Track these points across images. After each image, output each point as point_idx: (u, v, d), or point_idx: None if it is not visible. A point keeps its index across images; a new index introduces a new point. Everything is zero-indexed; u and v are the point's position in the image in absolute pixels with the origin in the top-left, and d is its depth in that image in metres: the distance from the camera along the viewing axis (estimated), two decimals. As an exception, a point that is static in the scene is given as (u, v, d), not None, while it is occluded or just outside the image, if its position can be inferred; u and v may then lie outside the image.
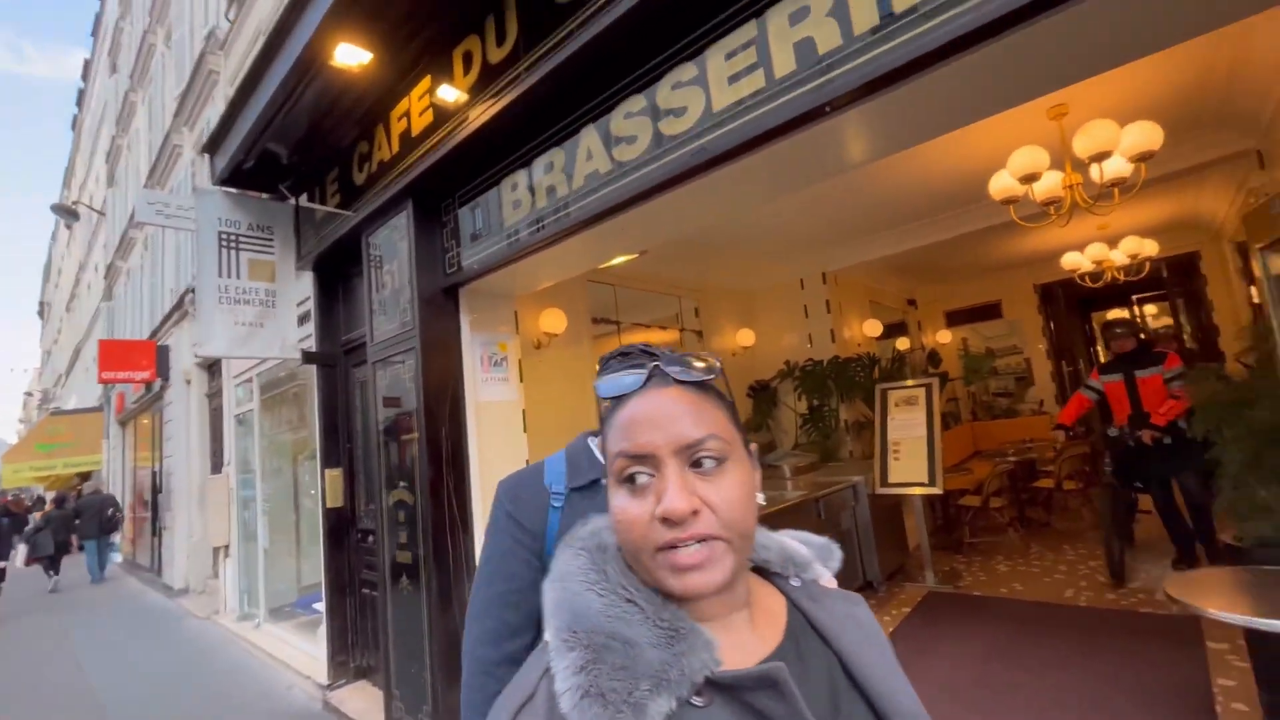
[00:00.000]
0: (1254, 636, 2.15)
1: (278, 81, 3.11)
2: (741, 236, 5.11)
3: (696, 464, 0.54)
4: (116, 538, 10.94)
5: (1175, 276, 7.66)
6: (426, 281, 3.15)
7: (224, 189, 3.96)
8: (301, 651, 4.52)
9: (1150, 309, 9.17)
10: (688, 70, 2.07)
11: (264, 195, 4.10)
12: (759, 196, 2.49)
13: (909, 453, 4.57)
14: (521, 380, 3.51)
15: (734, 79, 1.94)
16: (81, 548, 10.00)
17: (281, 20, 2.91)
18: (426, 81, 2.94)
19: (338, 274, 4.14)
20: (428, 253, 3.18)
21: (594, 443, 1.21)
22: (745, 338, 6.05)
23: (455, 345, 3.22)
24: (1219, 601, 1.87)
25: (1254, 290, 5.01)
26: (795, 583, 0.65)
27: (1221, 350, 6.13)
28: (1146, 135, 3.02)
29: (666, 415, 0.55)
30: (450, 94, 2.80)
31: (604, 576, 0.55)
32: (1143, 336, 4.19)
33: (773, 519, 3.67)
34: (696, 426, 0.54)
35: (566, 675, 0.49)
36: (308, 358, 4.07)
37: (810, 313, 6.04)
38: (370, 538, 3.83)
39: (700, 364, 0.60)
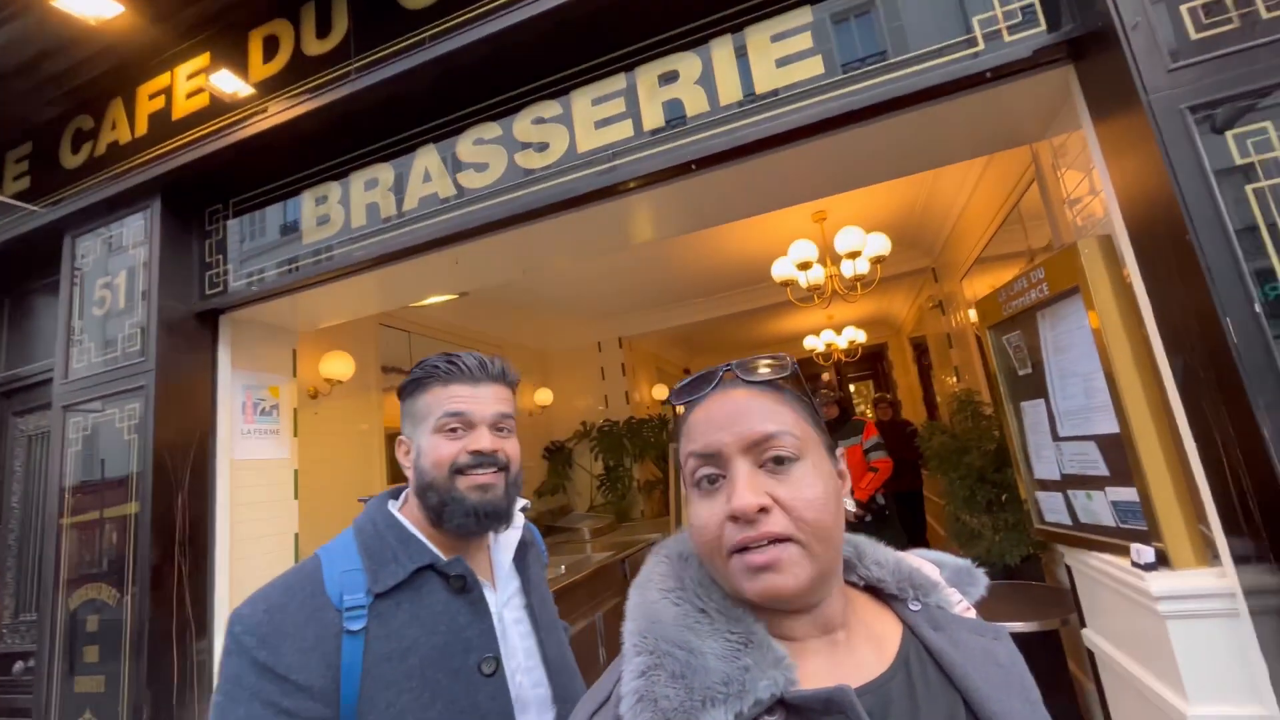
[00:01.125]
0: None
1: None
2: (543, 295, 5.10)
3: (769, 462, 0.51)
4: None
5: (872, 361, 9.86)
6: (174, 303, 2.43)
7: None
8: None
9: (858, 386, 11.58)
10: (550, 108, 2.02)
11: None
12: (560, 253, 2.53)
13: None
14: (295, 435, 2.87)
15: (534, 147, 1.95)
16: None
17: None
18: (205, 58, 2.38)
19: (7, 287, 2.98)
20: (179, 267, 2.48)
21: (395, 508, 0.93)
22: (544, 397, 5.93)
23: (207, 386, 2.51)
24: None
25: (986, 361, 6.64)
26: (915, 606, 0.58)
27: (906, 419, 7.93)
28: (882, 243, 3.86)
29: (734, 413, 0.53)
30: (238, 82, 2.31)
31: (681, 585, 0.53)
32: (841, 405, 3.98)
33: (580, 586, 3.51)
34: (765, 422, 0.52)
35: (630, 678, 0.48)
36: (-70, 400, 2.77)
37: (607, 375, 6.21)
38: (19, 664, 2.62)
39: (769, 364, 0.59)
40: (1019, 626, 2.14)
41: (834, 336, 7.16)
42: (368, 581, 0.76)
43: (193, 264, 2.52)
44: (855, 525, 3.20)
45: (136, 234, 2.47)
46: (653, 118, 1.86)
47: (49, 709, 2.23)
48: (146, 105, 2.48)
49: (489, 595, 0.90)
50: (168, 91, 2.44)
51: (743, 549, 0.49)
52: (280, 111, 2.19)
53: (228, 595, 2.37)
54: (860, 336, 7.19)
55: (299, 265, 2.34)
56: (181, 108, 2.41)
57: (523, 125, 2.02)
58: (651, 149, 1.84)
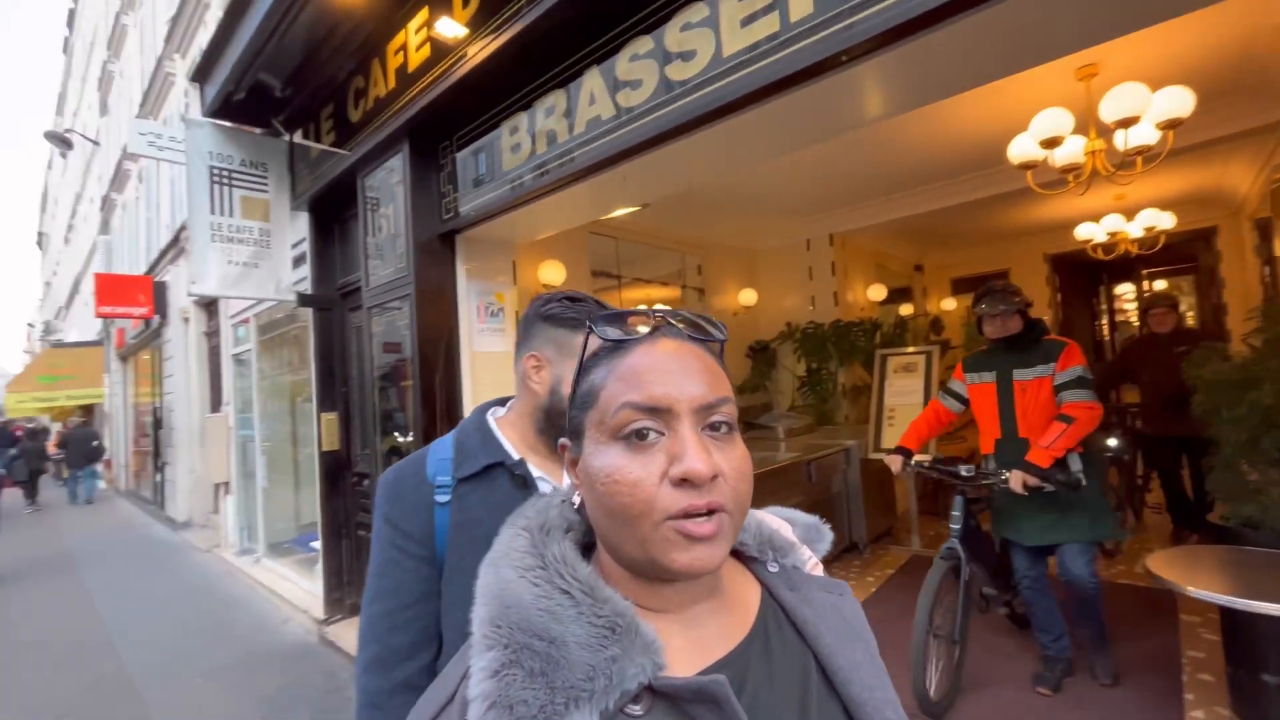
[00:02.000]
0: (1225, 612, 2.19)
1: (267, 5, 2.96)
2: (748, 193, 4.97)
3: (709, 428, 0.48)
4: (99, 467, 12.02)
5: (1189, 252, 7.51)
6: (423, 227, 3.07)
7: (215, 121, 3.83)
8: (299, 587, 4.65)
9: (1161, 284, 9.04)
10: (698, 10, 1.95)
11: (257, 130, 3.96)
12: (768, 150, 2.40)
13: (904, 419, 4.57)
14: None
15: (747, 21, 1.83)
16: (62, 475, 11.30)
17: (271, -62, 2.73)
18: (425, 12, 2.78)
19: (334, 215, 4.05)
20: (424, 197, 3.09)
21: (493, 417, 1.04)
22: (747, 297, 5.97)
23: (451, 294, 3.17)
24: (1196, 579, 1.89)
25: (1268, 269, 4.91)
26: (773, 568, 0.58)
27: (1229, 329, 6.06)
28: (1178, 102, 2.88)
29: (686, 369, 0.49)
30: (449, 27, 2.65)
31: (542, 562, 0.48)
32: (1025, 315, 2.58)
33: (764, 480, 3.71)
34: (715, 387, 0.49)
35: (479, 679, 0.43)
36: (303, 300, 4.02)
37: (815, 274, 5.94)
38: (365, 481, 3.88)
39: (709, 324, 0.55)
40: None
41: (1122, 223, 5.63)
42: (453, 469, 0.98)
43: (434, 194, 3.11)
44: (1026, 497, 2.37)
45: (396, 172, 3.13)
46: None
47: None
48: (392, 61, 3.02)
49: (546, 490, 1.04)
50: (404, 47, 2.93)
51: (684, 516, 0.45)
52: (478, 52, 2.50)
53: (473, 453, 3.13)
54: (1165, 221, 5.54)
55: (517, 182, 2.70)
56: (414, 59, 2.88)
57: (729, 4, 1.89)
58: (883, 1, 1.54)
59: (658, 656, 0.45)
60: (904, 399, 4.64)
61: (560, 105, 2.45)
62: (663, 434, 0.47)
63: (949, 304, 8.28)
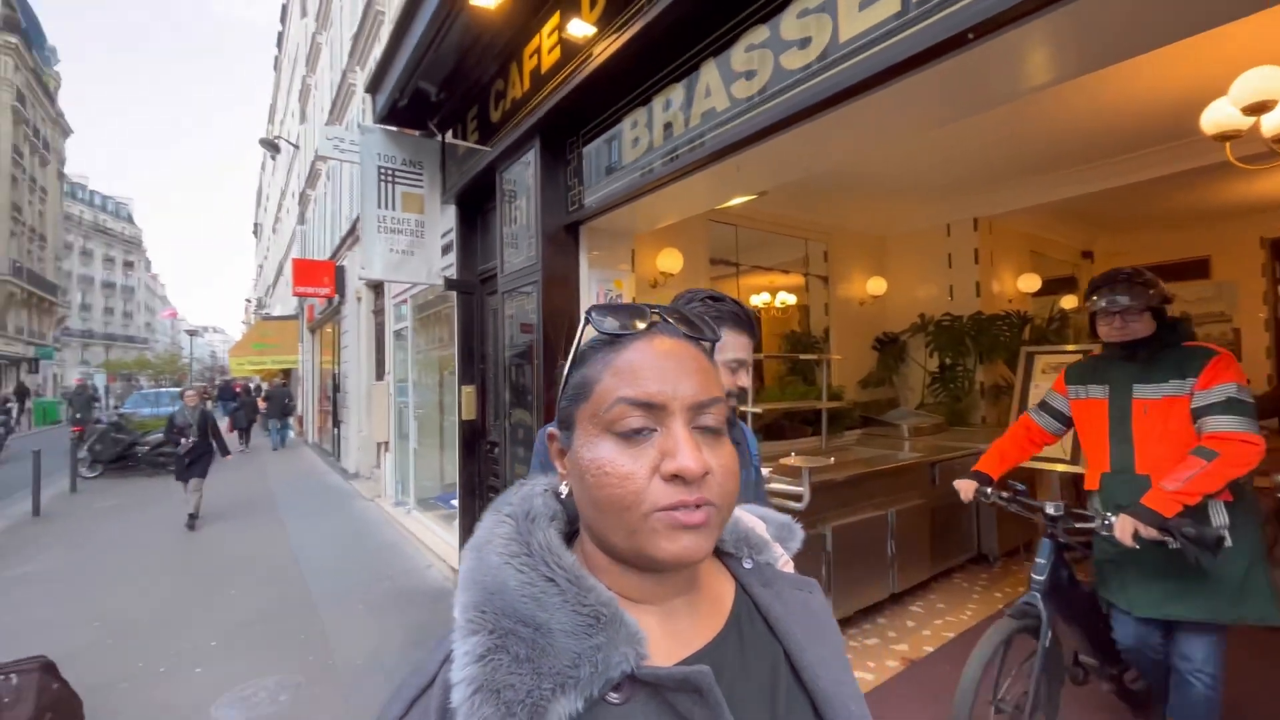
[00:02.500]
0: None
1: (425, 22, 3.33)
2: (881, 175, 4.69)
3: (699, 429, 0.49)
4: (291, 420, 14.83)
5: None
6: (550, 218, 3.31)
7: (383, 127, 4.37)
8: (440, 538, 5.26)
9: None
10: (816, -5, 1.91)
11: (416, 133, 4.47)
12: (904, 128, 2.18)
13: (1051, 425, 4.12)
14: (634, 317, 3.63)
15: (866, 4, 1.77)
16: (266, 425, 13.89)
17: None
18: (556, 17, 2.98)
19: (477, 208, 4.46)
20: (552, 190, 3.32)
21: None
22: (876, 286, 5.66)
23: (574, 281, 3.39)
24: None
25: None
26: (748, 564, 0.60)
27: None
28: None
29: (682, 367, 0.50)
30: (577, 28, 2.81)
31: (527, 549, 0.49)
32: (1160, 314, 1.98)
33: (880, 479, 3.56)
34: (708, 387, 0.50)
35: (463, 663, 0.43)
36: (449, 284, 4.49)
37: (955, 262, 5.47)
38: (496, 449, 4.29)
39: (705, 326, 0.56)
40: None
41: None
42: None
43: (560, 187, 3.33)
44: (1140, 550, 1.76)
45: (529, 167, 3.39)
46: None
47: (505, 475, 3.66)
48: (527, 64, 3.26)
49: None
50: (538, 51, 3.15)
51: (673, 509, 0.46)
52: (602, 52, 2.63)
53: (588, 430, 3.34)
54: None
55: (636, 175, 2.82)
56: (546, 62, 3.10)
57: None
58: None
59: (641, 647, 0.46)
60: (1053, 402, 4.17)
61: (678, 98, 2.51)
62: (655, 430, 0.48)
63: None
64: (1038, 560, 2.04)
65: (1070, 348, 4.31)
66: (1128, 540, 1.79)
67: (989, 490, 2.19)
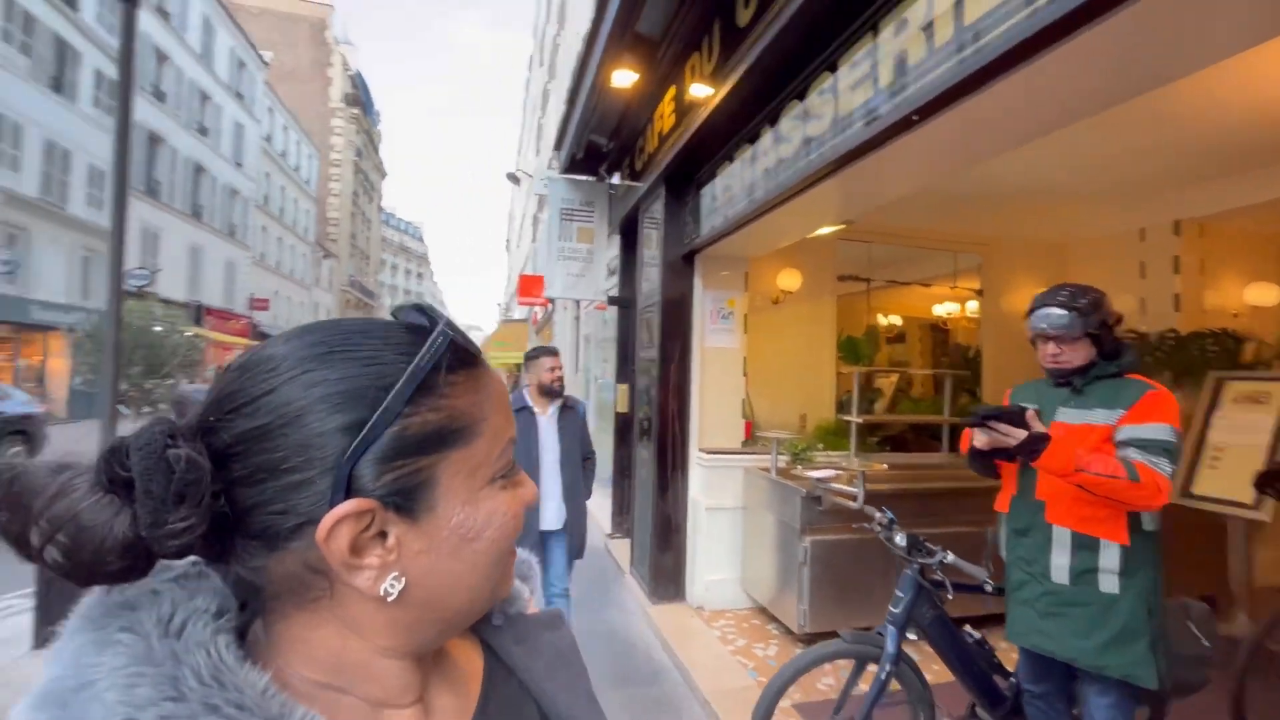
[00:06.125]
0: None
1: (584, 97, 4.28)
2: (1043, 179, 4.39)
3: None
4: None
5: None
6: (671, 249, 4.02)
7: (565, 177, 5.52)
8: (600, 507, 6.31)
9: None
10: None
11: (590, 178, 5.53)
12: (1040, 126, 2.01)
13: (1236, 463, 3.57)
14: (747, 332, 4.15)
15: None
16: None
17: (581, 58, 4.01)
18: (672, 90, 3.68)
19: (632, 239, 5.36)
20: (674, 226, 4.03)
21: (525, 383, 2.72)
22: (1048, 298, 5.20)
23: (689, 301, 4.04)
24: None
25: None
26: (497, 621, 0.51)
27: None
28: None
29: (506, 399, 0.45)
30: (684, 96, 3.48)
31: (178, 690, 0.31)
32: (1102, 339, 1.79)
33: (976, 497, 3.55)
34: None
35: None
36: (610, 300, 5.47)
37: (1149, 271, 4.78)
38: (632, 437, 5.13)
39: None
40: None
41: None
42: (513, 407, 2.02)
43: (680, 223, 4.02)
44: (1025, 579, 1.76)
45: (659, 208, 4.13)
46: None
47: (633, 464, 4.45)
48: (656, 125, 4.01)
49: (540, 420, 2.78)
50: (661, 115, 3.88)
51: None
52: (705, 105, 3.24)
53: (696, 424, 3.97)
54: None
55: (737, 208, 3.30)
56: (667, 124, 3.81)
57: None
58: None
59: None
60: (1241, 437, 3.59)
61: (765, 143, 3.01)
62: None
63: None
64: (896, 593, 2.02)
65: (1269, 375, 3.63)
66: (981, 440, 1.80)
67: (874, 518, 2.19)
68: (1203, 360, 4.45)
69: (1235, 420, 3.70)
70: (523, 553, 0.53)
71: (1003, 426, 1.72)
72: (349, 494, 0.35)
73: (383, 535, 0.37)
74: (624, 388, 5.44)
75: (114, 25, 14.32)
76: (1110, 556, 1.70)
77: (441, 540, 0.38)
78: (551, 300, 11.65)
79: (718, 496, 3.83)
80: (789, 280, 4.44)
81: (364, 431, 0.35)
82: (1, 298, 12.15)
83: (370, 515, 0.36)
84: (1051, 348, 1.81)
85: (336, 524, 0.34)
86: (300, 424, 0.35)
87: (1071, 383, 1.83)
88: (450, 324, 0.40)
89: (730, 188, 3.32)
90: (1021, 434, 1.70)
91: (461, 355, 0.40)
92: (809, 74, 2.56)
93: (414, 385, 0.37)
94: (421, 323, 0.41)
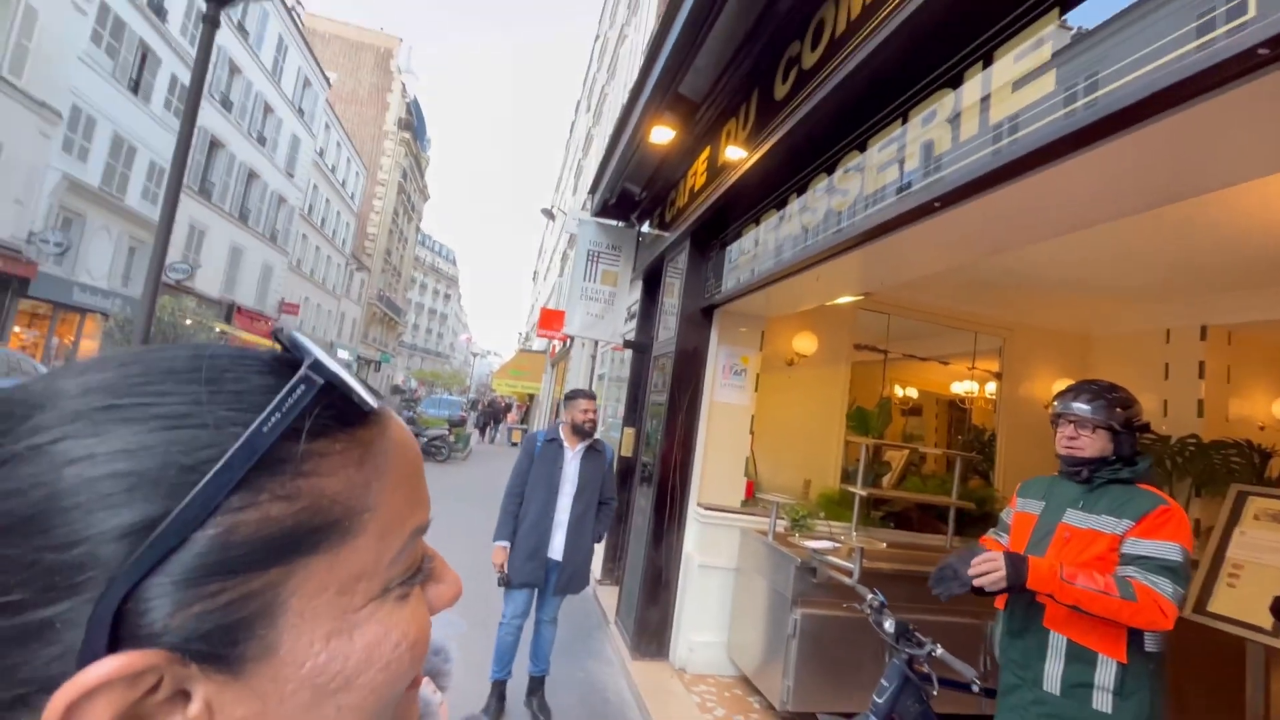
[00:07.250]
0: None
1: (622, 148, 4.43)
2: (1077, 273, 4.38)
3: None
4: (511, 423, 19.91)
5: None
6: (690, 301, 4.07)
7: (596, 220, 5.66)
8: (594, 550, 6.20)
9: None
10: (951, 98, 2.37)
11: (619, 224, 5.67)
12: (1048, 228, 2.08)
13: (1254, 583, 3.42)
14: (757, 390, 4.14)
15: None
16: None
17: (623, 111, 4.17)
18: (707, 150, 3.80)
19: (655, 286, 5.44)
20: (695, 281, 4.09)
21: (562, 419, 2.95)
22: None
23: (703, 354, 4.07)
24: None
25: None
26: None
27: None
28: None
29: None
30: (718, 157, 3.59)
31: None
32: (1135, 425, 1.80)
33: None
34: None
35: None
36: (626, 344, 5.52)
37: (1173, 373, 4.71)
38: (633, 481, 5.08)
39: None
40: None
41: None
42: (546, 437, 2.47)
43: (701, 279, 4.08)
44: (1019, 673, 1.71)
45: (682, 261, 4.21)
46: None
47: (634, 503, 4.40)
48: (688, 182, 4.13)
49: (567, 453, 2.94)
50: (694, 173, 3.99)
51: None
52: (728, 178, 3.35)
53: (698, 476, 3.93)
54: None
55: (755, 270, 3.36)
56: (698, 182, 3.92)
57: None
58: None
59: None
60: (1262, 556, 3.44)
61: (792, 207, 3.07)
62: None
63: None
64: (882, 682, 2.00)
65: (1297, 494, 3.51)
66: (966, 575, 1.74)
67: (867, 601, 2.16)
68: (1225, 470, 4.34)
69: (1256, 538, 3.56)
70: (437, 636, 0.35)
71: (984, 567, 1.68)
72: (118, 642, 0.22)
73: (184, 696, 0.23)
74: (630, 431, 5.43)
75: (195, 37, 15.38)
76: (1106, 673, 1.64)
77: (286, 697, 0.25)
78: (570, 336, 11.76)
79: (712, 554, 3.76)
80: (805, 344, 4.46)
81: (150, 538, 0.22)
82: (46, 276, 12.61)
83: (155, 674, 0.23)
84: (1070, 431, 1.81)
85: (84, 698, 0.21)
86: (38, 527, 0.22)
87: (1081, 474, 1.80)
88: (319, 364, 0.26)
89: (753, 249, 3.38)
90: (1001, 568, 1.63)
91: (340, 411, 0.27)
92: (838, 150, 2.63)
93: (250, 461, 0.24)
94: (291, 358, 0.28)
